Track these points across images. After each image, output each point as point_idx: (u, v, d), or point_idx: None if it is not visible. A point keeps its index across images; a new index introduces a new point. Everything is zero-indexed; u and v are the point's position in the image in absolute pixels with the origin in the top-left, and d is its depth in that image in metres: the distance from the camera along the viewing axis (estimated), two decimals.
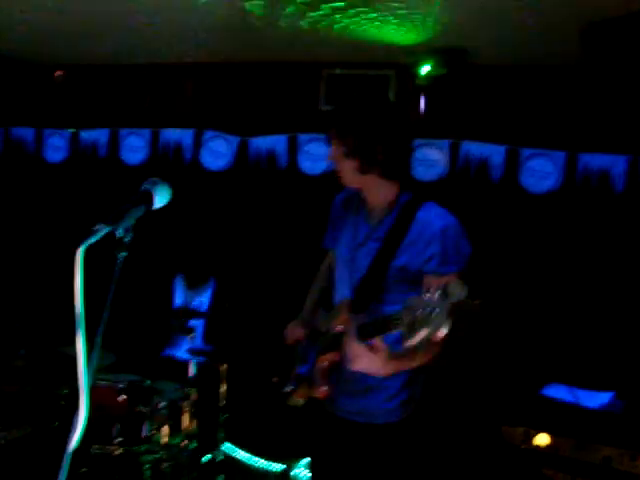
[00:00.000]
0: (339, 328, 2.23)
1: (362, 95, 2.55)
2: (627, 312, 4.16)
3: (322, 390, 2.27)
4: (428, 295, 1.77)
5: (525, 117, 4.41)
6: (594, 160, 4.25)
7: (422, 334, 1.75)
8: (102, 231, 1.40)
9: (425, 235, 2.19)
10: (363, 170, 2.24)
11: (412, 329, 1.77)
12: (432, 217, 2.22)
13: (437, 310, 1.72)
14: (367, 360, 2.04)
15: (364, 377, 2.18)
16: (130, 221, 1.46)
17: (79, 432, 1.39)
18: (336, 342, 2.23)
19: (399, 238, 2.23)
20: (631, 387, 3.84)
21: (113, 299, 1.48)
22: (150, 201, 1.53)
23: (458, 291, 1.74)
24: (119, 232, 1.43)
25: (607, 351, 4.16)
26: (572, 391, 3.72)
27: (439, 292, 1.75)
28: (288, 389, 2.42)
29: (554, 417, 3.55)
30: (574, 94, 4.29)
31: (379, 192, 2.31)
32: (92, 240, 1.37)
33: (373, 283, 2.25)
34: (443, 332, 1.76)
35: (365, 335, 2.05)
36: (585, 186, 4.27)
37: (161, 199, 1.56)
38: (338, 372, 2.27)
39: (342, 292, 2.38)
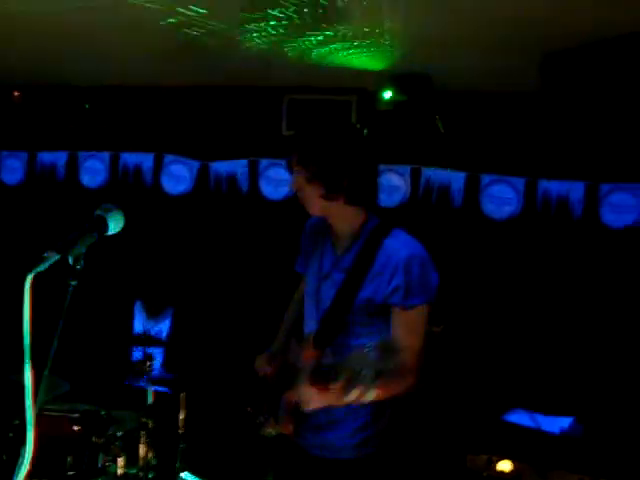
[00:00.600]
0: (301, 365, 2.15)
1: (325, 119, 2.33)
2: (585, 337, 4.20)
3: (287, 427, 2.23)
4: (366, 351, 1.69)
5: (486, 143, 4.46)
6: (553, 186, 4.31)
7: (355, 392, 1.72)
8: (51, 259, 1.35)
9: (390, 265, 2.09)
10: (328, 197, 2.14)
11: (350, 384, 1.71)
12: (398, 246, 2.11)
13: (364, 372, 1.66)
14: (317, 401, 1.96)
15: (326, 411, 2.10)
16: (81, 249, 1.40)
17: (24, 468, 1.33)
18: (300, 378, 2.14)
19: (365, 268, 2.13)
20: (591, 411, 3.87)
21: (68, 325, 1.43)
22: (103, 228, 1.48)
23: (389, 355, 1.67)
24: (70, 260, 1.38)
25: (567, 376, 4.19)
26: (533, 416, 3.74)
27: (373, 351, 1.68)
28: (260, 420, 2.36)
29: (516, 443, 3.55)
30: (534, 121, 4.35)
31: (345, 219, 2.21)
32: (41, 268, 1.32)
33: (337, 316, 2.17)
34: (367, 398, 1.74)
35: (316, 379, 1.95)
36: (545, 212, 4.33)
37: (114, 226, 1.51)
38: None
39: (309, 325, 2.32)
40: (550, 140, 4.30)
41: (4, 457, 3.39)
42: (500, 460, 3.47)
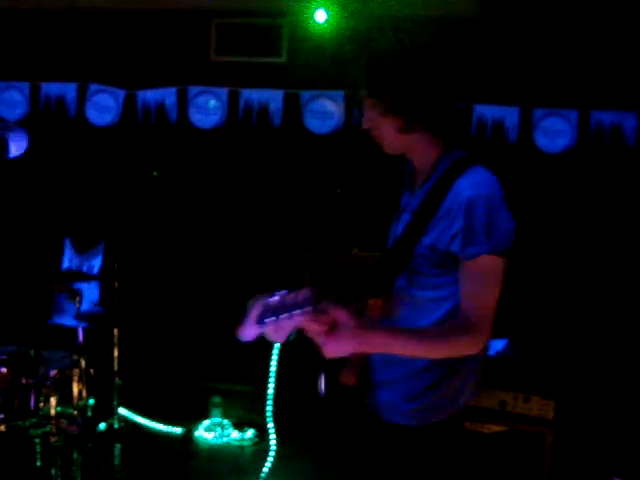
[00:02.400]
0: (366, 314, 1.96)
1: (392, 38, 2.03)
2: (521, 261, 4.26)
3: (348, 377, 2.00)
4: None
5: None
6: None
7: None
8: None
9: (454, 207, 1.82)
10: (407, 129, 1.89)
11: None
12: (466, 185, 1.83)
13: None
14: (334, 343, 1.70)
15: (381, 368, 1.94)
16: None
17: None
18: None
19: (431, 211, 1.87)
20: (523, 333, 3.97)
21: None
22: (4, 149, 1.35)
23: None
24: None
25: (500, 299, 4.26)
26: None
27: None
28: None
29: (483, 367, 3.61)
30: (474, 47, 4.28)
31: (423, 152, 1.95)
32: None
33: (398, 262, 1.93)
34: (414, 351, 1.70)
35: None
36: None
37: (18, 146, 1.37)
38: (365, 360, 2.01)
39: None
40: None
41: None
42: None
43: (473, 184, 1.82)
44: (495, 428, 3.34)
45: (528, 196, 4.27)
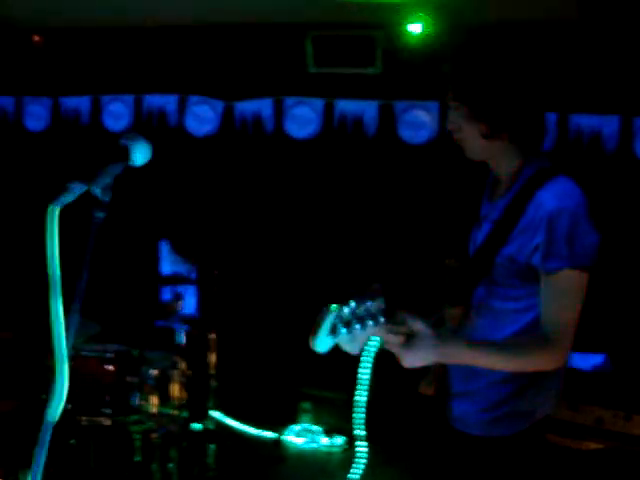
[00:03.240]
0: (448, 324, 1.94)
1: (485, 46, 1.98)
2: (619, 275, 4.13)
3: (428, 388, 1.98)
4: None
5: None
6: None
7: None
8: (77, 189, 1.31)
9: (536, 219, 1.77)
10: (491, 136, 1.85)
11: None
12: (549, 196, 1.78)
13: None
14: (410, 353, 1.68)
15: (459, 379, 1.93)
16: (107, 179, 1.37)
17: (58, 402, 1.32)
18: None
19: (512, 222, 1.82)
20: (622, 348, 3.83)
21: (97, 267, 1.40)
22: (128, 157, 1.44)
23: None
24: (96, 191, 1.35)
25: (598, 313, 4.13)
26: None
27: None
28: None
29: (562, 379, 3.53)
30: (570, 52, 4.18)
31: (505, 162, 1.91)
32: (66, 199, 1.29)
33: (477, 271, 1.90)
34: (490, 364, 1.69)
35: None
36: None
37: (140, 156, 1.46)
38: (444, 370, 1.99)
39: None
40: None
41: (43, 396, 3.46)
42: None
43: (556, 195, 1.77)
44: (592, 446, 3.24)
45: (624, 206, 4.14)
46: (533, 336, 1.79)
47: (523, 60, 1.91)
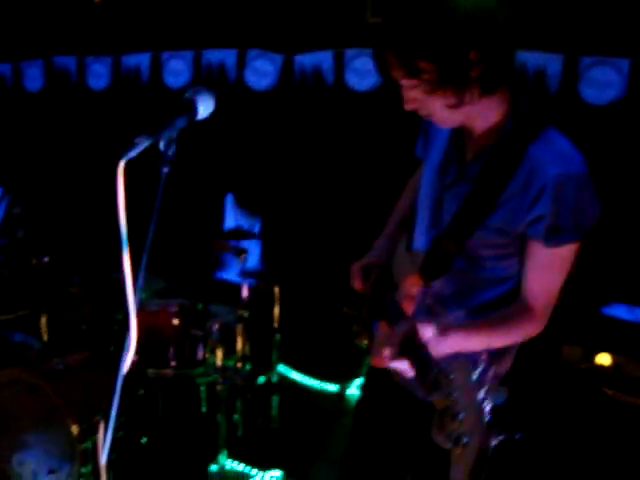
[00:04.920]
0: (403, 300, 1.75)
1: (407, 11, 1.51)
2: None
3: (379, 360, 1.67)
4: (475, 377, 1.31)
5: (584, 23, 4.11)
6: None
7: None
8: (142, 144, 1.31)
9: (535, 184, 1.54)
10: (461, 101, 1.55)
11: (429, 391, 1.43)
12: (549, 157, 1.54)
13: (462, 415, 1.28)
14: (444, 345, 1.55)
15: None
16: (172, 133, 1.36)
17: (130, 355, 1.35)
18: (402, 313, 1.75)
19: (499, 184, 1.57)
20: None
21: (160, 221, 1.40)
22: (193, 111, 1.43)
23: (496, 398, 1.28)
24: (161, 145, 1.34)
25: None
26: (632, 310, 3.61)
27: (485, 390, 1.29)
28: (355, 328, 2.04)
29: (615, 336, 3.45)
30: None
31: (485, 116, 1.63)
32: (132, 154, 1.30)
33: (456, 240, 1.66)
34: (477, 345, 1.54)
35: (405, 352, 1.56)
36: None
37: (205, 109, 1.45)
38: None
39: (419, 240, 1.82)
40: None
41: (112, 348, 3.57)
42: (598, 353, 3.38)
43: (558, 159, 1.54)
44: None
45: None
46: (519, 309, 1.67)
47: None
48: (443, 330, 1.54)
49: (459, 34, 1.47)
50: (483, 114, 1.63)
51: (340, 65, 4.60)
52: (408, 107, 1.62)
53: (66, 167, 5.48)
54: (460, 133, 1.71)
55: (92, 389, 2.86)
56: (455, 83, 1.52)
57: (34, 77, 5.58)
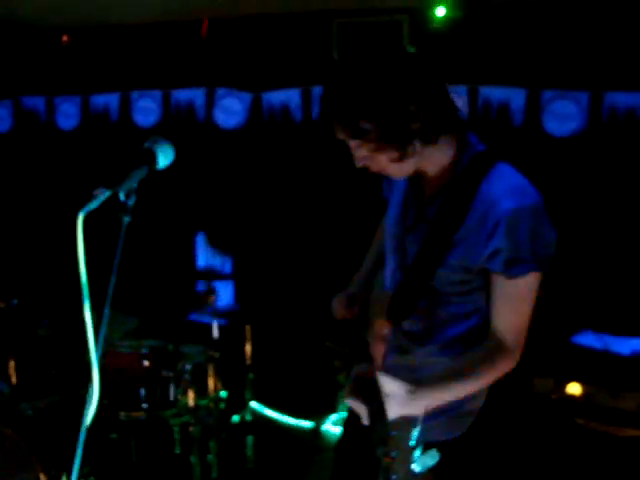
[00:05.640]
0: (374, 342, 1.76)
1: (350, 68, 1.60)
2: None
3: (353, 404, 1.61)
4: (412, 440, 1.32)
5: (546, 58, 4.23)
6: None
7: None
8: (102, 195, 1.32)
9: (488, 219, 1.57)
10: (405, 154, 1.60)
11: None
12: (499, 192, 1.58)
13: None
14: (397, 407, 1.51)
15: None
16: (132, 183, 1.38)
17: (93, 407, 1.34)
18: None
19: (454, 222, 1.62)
20: None
21: (132, 260, 1.41)
22: (153, 161, 1.44)
23: (428, 461, 1.31)
24: (121, 196, 1.36)
25: (635, 296, 4.06)
26: (601, 338, 3.65)
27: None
28: (336, 364, 2.06)
29: (586, 365, 3.49)
30: (598, 30, 4.10)
31: (434, 161, 1.67)
32: (93, 205, 1.31)
33: (420, 281, 1.69)
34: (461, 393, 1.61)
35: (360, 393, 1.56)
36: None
37: (164, 158, 1.47)
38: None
39: (388, 280, 1.85)
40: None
41: (82, 391, 3.52)
42: (569, 383, 3.41)
43: (509, 193, 1.58)
44: (631, 432, 3.19)
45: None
46: (491, 346, 1.66)
47: (399, 61, 1.59)
48: (412, 391, 1.52)
49: (394, 90, 1.53)
50: (431, 160, 1.67)
51: (308, 102, 4.66)
52: (359, 164, 1.68)
53: (35, 207, 5.44)
54: (417, 176, 1.75)
55: (61, 434, 2.82)
56: (397, 138, 1.57)
57: (2, 117, 5.57)
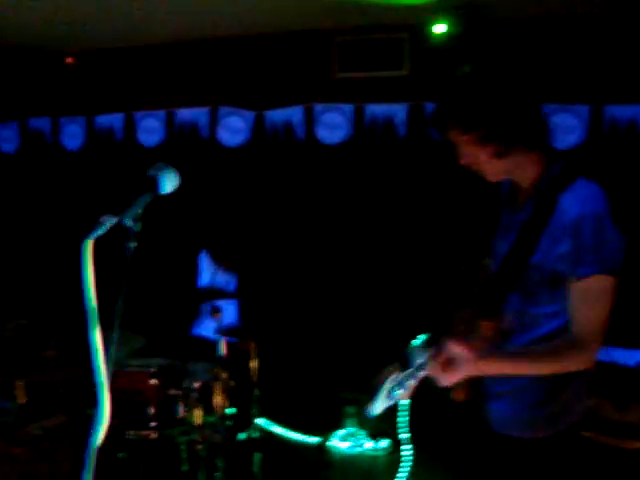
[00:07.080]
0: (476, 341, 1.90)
1: (464, 78, 1.92)
2: None
3: (457, 392, 1.92)
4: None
5: (547, 71, 4.26)
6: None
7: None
8: (108, 223, 1.36)
9: (558, 226, 1.80)
10: (506, 152, 1.86)
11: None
12: (572, 202, 1.79)
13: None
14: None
15: (493, 381, 1.93)
16: (137, 210, 1.41)
17: (100, 428, 1.36)
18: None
19: (538, 228, 1.83)
20: None
21: (139, 279, 1.43)
22: (156, 188, 1.48)
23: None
24: (126, 222, 1.39)
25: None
26: (607, 350, 3.64)
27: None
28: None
29: (591, 378, 3.48)
30: (597, 44, 4.13)
31: (526, 170, 1.91)
32: (98, 232, 1.34)
33: (507, 280, 1.91)
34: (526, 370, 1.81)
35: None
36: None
37: (168, 185, 1.50)
38: None
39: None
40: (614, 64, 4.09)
41: (89, 411, 3.53)
42: None
43: (579, 200, 1.78)
44: (638, 445, 3.19)
45: None
46: (564, 340, 1.81)
47: (511, 68, 1.93)
48: (482, 356, 1.74)
49: (505, 97, 1.85)
50: (526, 168, 1.91)
51: (310, 119, 4.69)
52: (465, 161, 1.93)
53: (43, 226, 5.48)
54: (513, 189, 2.01)
55: (70, 454, 2.84)
56: (500, 136, 1.83)
57: (10, 138, 5.63)
